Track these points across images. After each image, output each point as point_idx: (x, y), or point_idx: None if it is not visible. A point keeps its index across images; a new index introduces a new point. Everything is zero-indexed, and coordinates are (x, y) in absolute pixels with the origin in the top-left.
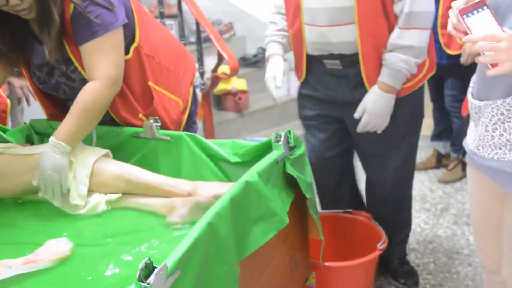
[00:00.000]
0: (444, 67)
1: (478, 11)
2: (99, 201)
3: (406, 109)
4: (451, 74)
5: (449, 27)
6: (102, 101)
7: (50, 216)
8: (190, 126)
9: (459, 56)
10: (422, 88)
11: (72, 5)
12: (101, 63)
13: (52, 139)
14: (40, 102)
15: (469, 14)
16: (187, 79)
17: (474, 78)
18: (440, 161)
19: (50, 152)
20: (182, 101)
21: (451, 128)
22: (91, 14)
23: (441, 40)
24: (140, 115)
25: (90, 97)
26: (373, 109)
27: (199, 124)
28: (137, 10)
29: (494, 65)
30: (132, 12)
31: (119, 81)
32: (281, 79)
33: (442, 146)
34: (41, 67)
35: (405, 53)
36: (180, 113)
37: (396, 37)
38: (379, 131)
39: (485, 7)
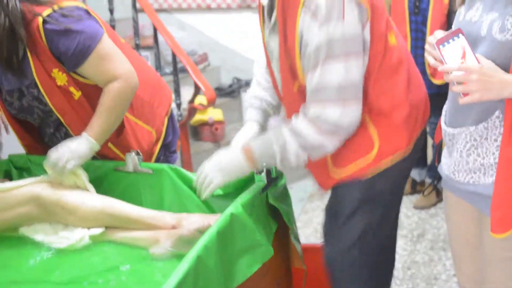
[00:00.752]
0: (430, 97)
1: (453, 39)
2: (83, 236)
3: (355, 194)
4: (434, 103)
5: (431, 61)
6: (126, 96)
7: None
8: (168, 156)
9: (441, 86)
10: (389, 173)
11: (42, 30)
12: (110, 66)
13: (85, 135)
14: (15, 133)
15: (445, 44)
16: (162, 110)
17: (446, 106)
18: (414, 187)
19: (77, 141)
20: (155, 132)
21: (426, 155)
22: (74, 36)
23: (428, 70)
24: (109, 144)
25: (114, 95)
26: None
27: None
28: (109, 34)
29: (465, 94)
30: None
31: (133, 71)
32: None
33: (417, 174)
34: (11, 92)
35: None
36: (152, 143)
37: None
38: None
39: (460, 35)
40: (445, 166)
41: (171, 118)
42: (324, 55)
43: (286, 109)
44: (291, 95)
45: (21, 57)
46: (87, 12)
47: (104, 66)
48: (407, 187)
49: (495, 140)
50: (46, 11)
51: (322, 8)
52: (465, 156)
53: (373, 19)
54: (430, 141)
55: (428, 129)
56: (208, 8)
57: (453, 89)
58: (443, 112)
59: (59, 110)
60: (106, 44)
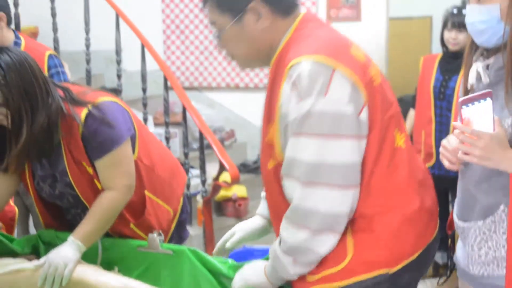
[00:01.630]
0: (451, 179)
1: (479, 102)
2: None
3: None
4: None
5: (445, 163)
6: (118, 207)
7: None
8: (181, 232)
9: None
10: None
11: (80, 127)
12: (115, 175)
13: (70, 237)
14: (38, 211)
15: (469, 104)
16: (180, 190)
17: (456, 199)
18: (437, 270)
19: (65, 245)
20: (172, 210)
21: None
22: (100, 134)
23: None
24: (132, 226)
25: (108, 203)
26: None
27: (199, 230)
28: (137, 124)
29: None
30: (133, 125)
31: (132, 188)
32: (232, 242)
33: (440, 257)
34: (44, 178)
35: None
36: (170, 221)
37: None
38: None
39: (488, 99)
40: (461, 259)
41: (185, 196)
42: (299, 129)
43: (265, 191)
44: (266, 174)
45: (55, 147)
46: (121, 108)
47: (111, 172)
48: (430, 270)
49: (504, 233)
50: (83, 112)
51: (304, 78)
52: (477, 249)
53: (372, 107)
54: None
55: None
56: (237, 87)
57: (459, 147)
58: (455, 205)
59: (86, 198)
60: (123, 152)
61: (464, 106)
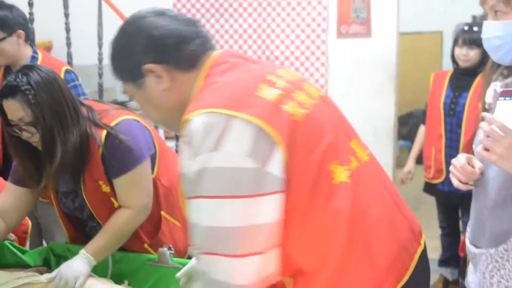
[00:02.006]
0: (461, 196)
1: None
2: None
3: None
4: (468, 202)
5: (454, 182)
6: (133, 225)
7: None
8: None
9: None
10: None
11: (101, 148)
12: (133, 194)
13: (82, 251)
14: (63, 225)
15: (507, 98)
16: None
17: (470, 221)
18: (446, 286)
19: (76, 258)
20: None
21: (459, 255)
22: (120, 153)
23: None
24: (146, 246)
25: (123, 221)
26: None
27: None
28: (159, 142)
29: (487, 149)
30: (154, 144)
31: (149, 207)
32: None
33: (450, 273)
34: (67, 194)
35: None
36: (186, 243)
37: None
38: None
39: None
40: (472, 284)
41: None
42: (193, 192)
43: None
44: None
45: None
46: (143, 127)
47: (128, 190)
48: (439, 286)
49: None
50: (104, 132)
51: (196, 134)
52: (488, 277)
53: (292, 147)
54: None
55: (461, 228)
56: None
57: (482, 140)
58: (467, 228)
59: (99, 216)
60: (142, 171)
61: (501, 98)
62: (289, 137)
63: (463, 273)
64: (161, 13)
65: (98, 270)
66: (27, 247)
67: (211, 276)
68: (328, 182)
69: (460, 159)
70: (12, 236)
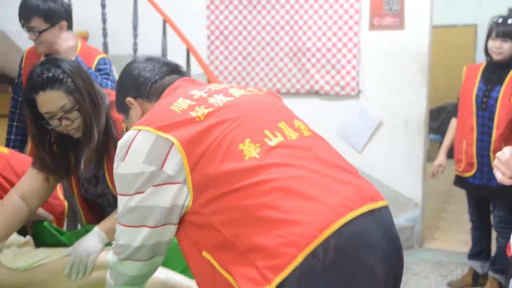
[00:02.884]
0: (492, 189)
1: None
2: None
3: None
4: (499, 196)
5: (498, 176)
6: None
7: None
8: None
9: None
10: None
11: (125, 128)
12: None
13: (95, 228)
14: (81, 210)
15: None
16: None
17: None
18: (476, 280)
19: (90, 236)
20: None
21: (489, 247)
22: None
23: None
24: None
25: None
26: None
27: None
28: None
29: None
30: None
31: None
32: None
33: (480, 266)
34: (90, 180)
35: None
36: None
37: None
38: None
39: None
40: None
41: None
42: (116, 187)
43: None
44: None
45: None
46: None
47: None
48: (469, 279)
49: None
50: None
51: (117, 149)
52: None
53: (189, 145)
54: (494, 234)
55: (492, 222)
56: (279, 93)
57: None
58: None
59: None
60: None
61: None
62: (190, 136)
63: (509, 277)
64: (149, 59)
65: None
66: (64, 228)
67: (118, 241)
68: (240, 160)
69: (504, 153)
70: (50, 216)
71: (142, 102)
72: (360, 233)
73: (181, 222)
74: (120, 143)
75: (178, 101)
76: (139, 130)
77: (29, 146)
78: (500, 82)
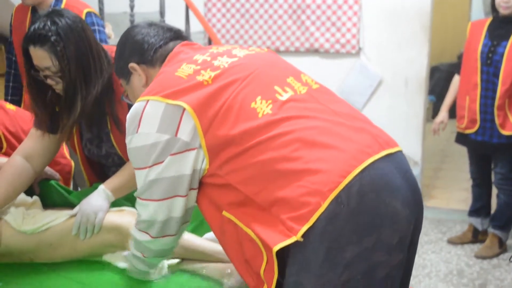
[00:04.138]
0: (494, 146)
1: None
2: (162, 265)
3: None
4: (501, 152)
5: None
6: None
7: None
8: None
9: (510, 136)
10: None
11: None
12: None
13: (101, 186)
14: (84, 171)
15: None
16: None
17: None
18: (476, 236)
19: (95, 194)
20: None
21: (489, 204)
22: None
23: (497, 121)
24: None
25: None
26: None
27: None
28: None
29: None
30: None
31: None
32: None
33: (480, 223)
34: (92, 140)
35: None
36: None
37: None
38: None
39: None
40: None
41: None
42: (132, 163)
43: None
44: None
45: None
46: None
47: None
48: (469, 235)
49: None
50: None
51: (128, 120)
52: None
53: (201, 109)
54: (494, 191)
55: (493, 179)
56: (277, 51)
57: None
58: None
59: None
60: None
61: None
62: (200, 100)
63: None
64: (151, 24)
65: None
66: (71, 187)
67: (142, 217)
68: (253, 118)
69: None
70: (57, 175)
71: (146, 68)
72: (381, 177)
73: (199, 185)
74: (129, 116)
75: (182, 67)
76: (148, 100)
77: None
78: (507, 37)
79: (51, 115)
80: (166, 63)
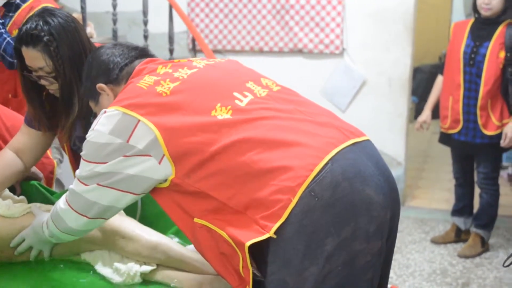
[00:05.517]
0: (477, 146)
1: None
2: (136, 272)
3: None
4: (484, 152)
5: None
6: None
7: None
8: None
9: (492, 136)
10: None
11: None
12: None
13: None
14: (72, 168)
15: None
16: None
17: None
18: (459, 235)
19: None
20: None
21: (472, 204)
22: None
23: (480, 121)
24: None
25: None
26: None
27: None
28: None
29: None
30: None
31: None
32: None
33: (463, 222)
34: (81, 139)
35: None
36: None
37: None
38: None
39: None
40: None
41: None
42: (83, 154)
43: None
44: None
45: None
46: None
47: None
48: (452, 235)
49: None
50: None
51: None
52: None
53: (167, 114)
54: (477, 190)
55: (476, 179)
56: (261, 51)
57: None
58: None
59: None
60: None
61: None
62: (156, 110)
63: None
64: (116, 44)
65: (128, 212)
66: (53, 188)
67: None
68: (216, 123)
69: None
70: (40, 174)
71: (113, 87)
72: (351, 165)
73: (166, 191)
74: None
75: (144, 78)
76: (109, 109)
77: None
78: (489, 38)
79: (47, 113)
80: (130, 79)
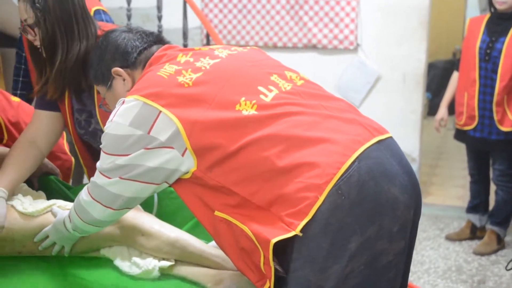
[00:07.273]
0: (493, 143)
1: None
2: (154, 267)
3: None
4: (499, 149)
5: None
6: None
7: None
8: None
9: (508, 132)
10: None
11: None
12: None
13: None
14: (79, 152)
15: None
16: None
17: None
18: (474, 232)
19: None
20: None
21: (488, 201)
22: None
23: (496, 117)
24: None
25: None
26: None
27: None
28: None
29: None
30: None
31: None
32: None
33: (478, 219)
34: (81, 112)
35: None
36: None
37: None
38: None
39: None
40: None
41: None
42: (103, 146)
43: None
44: None
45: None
46: None
47: None
48: (467, 232)
49: None
50: None
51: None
52: None
53: (188, 104)
54: (493, 187)
55: (492, 176)
56: (275, 47)
57: None
58: None
59: None
60: None
61: None
62: (178, 102)
63: None
64: (131, 28)
65: (144, 207)
66: (70, 183)
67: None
68: (240, 118)
69: None
70: (57, 169)
71: (130, 71)
72: (377, 165)
73: (187, 183)
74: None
75: (165, 67)
76: (129, 98)
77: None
78: (505, 33)
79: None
80: (149, 66)
